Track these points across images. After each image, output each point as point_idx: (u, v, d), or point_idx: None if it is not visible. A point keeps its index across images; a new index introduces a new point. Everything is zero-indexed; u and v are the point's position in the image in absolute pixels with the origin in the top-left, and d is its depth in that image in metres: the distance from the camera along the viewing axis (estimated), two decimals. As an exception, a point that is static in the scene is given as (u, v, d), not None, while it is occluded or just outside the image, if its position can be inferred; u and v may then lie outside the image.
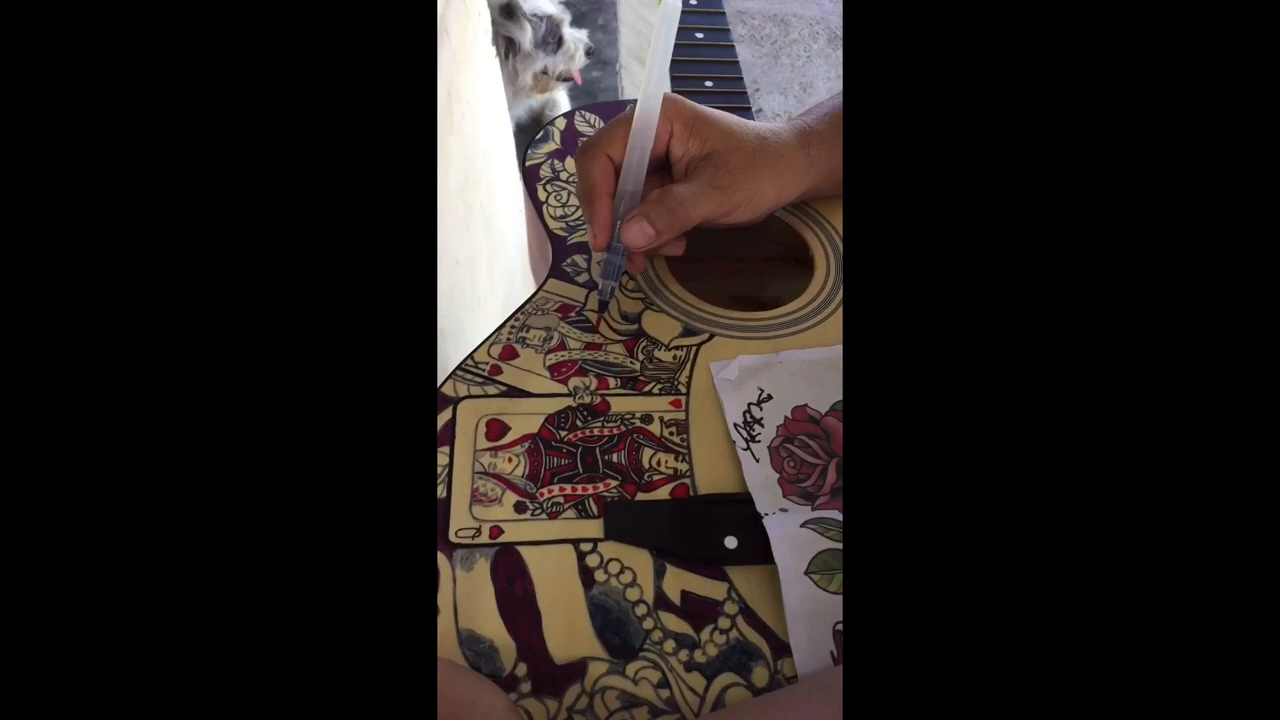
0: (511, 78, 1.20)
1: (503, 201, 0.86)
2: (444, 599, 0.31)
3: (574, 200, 0.46)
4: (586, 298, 0.41)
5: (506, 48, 1.18)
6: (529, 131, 1.39)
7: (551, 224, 0.45)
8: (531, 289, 0.43)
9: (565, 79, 1.31)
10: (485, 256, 0.78)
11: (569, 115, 0.51)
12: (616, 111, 0.51)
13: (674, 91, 0.51)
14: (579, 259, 0.43)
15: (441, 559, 0.32)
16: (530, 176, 0.47)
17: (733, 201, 0.38)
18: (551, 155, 0.48)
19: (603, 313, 0.40)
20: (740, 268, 0.49)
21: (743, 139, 0.39)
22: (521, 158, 0.49)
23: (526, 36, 1.17)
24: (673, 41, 0.35)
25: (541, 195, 0.46)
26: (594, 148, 0.38)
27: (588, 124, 0.50)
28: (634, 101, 0.38)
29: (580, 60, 1.27)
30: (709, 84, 0.52)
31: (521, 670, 0.29)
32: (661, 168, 0.39)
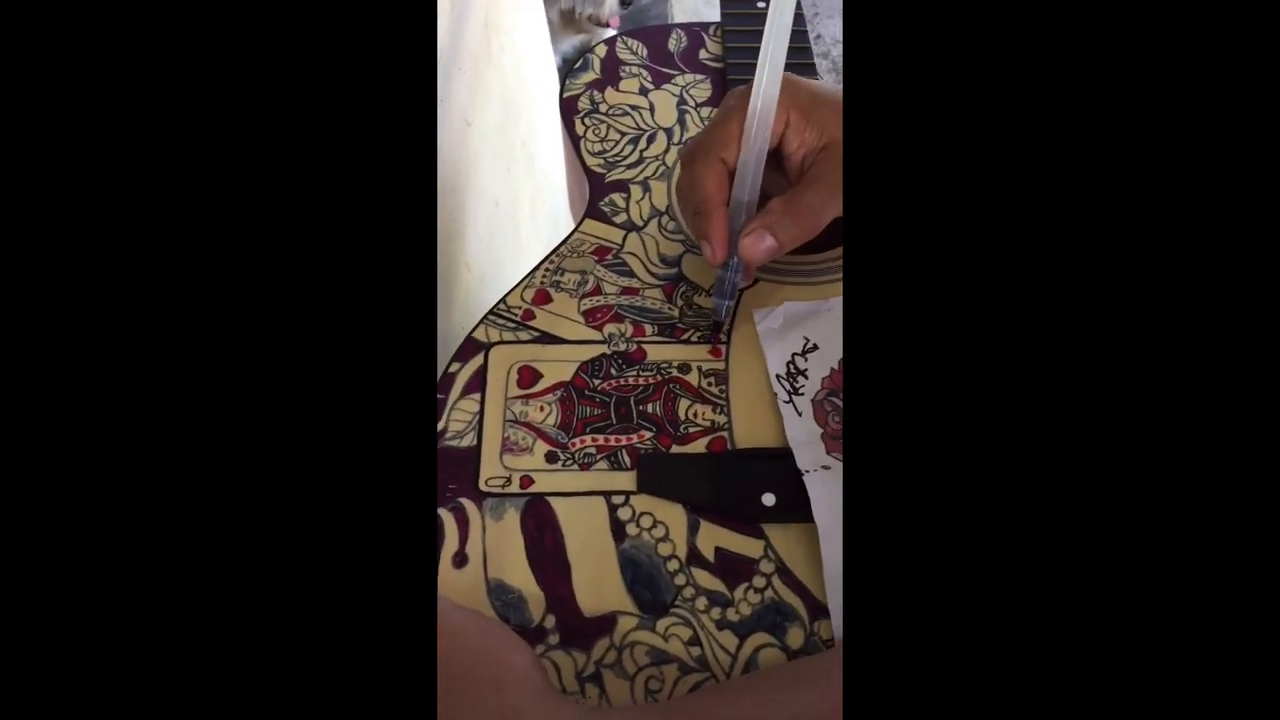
0: (546, 12, 1.15)
1: (544, 140, 0.83)
2: (473, 548, 0.30)
3: (613, 134, 0.43)
4: (624, 239, 0.39)
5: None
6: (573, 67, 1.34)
7: (589, 160, 0.42)
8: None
9: (597, 23, 1.25)
10: (527, 197, 0.76)
11: (610, 42, 0.48)
12: (663, 36, 0.48)
13: (726, 11, 0.48)
14: (617, 198, 0.41)
15: (471, 507, 0.31)
16: (568, 109, 0.45)
17: None
18: (591, 85, 0.46)
19: (717, 334, 0.36)
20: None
21: None
22: (561, 90, 0.46)
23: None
24: (790, 23, 0.30)
25: (579, 129, 0.44)
26: (705, 151, 0.33)
27: (629, 51, 0.47)
28: (747, 90, 0.31)
29: (611, 6, 1.21)
30: (761, 4, 0.48)
31: (550, 621, 0.29)
32: (773, 160, 0.34)
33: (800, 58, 0.44)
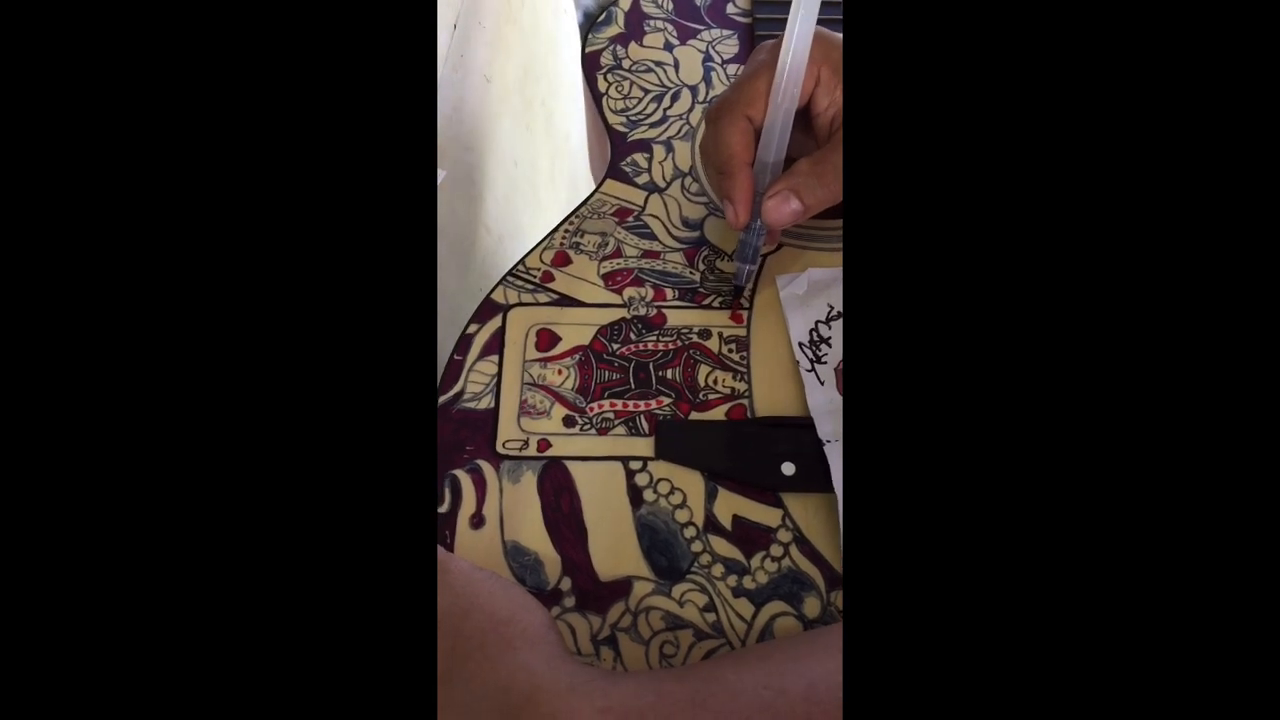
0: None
1: (564, 98, 0.82)
2: (490, 510, 0.30)
3: (636, 92, 0.42)
4: (646, 201, 0.38)
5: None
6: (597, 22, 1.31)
7: (611, 119, 0.41)
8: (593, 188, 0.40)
9: None
10: (546, 156, 0.75)
11: (634, -4, 0.46)
12: (686, -9, 0.46)
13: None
14: (639, 158, 0.40)
15: (489, 469, 0.31)
16: (590, 64, 0.43)
17: None
18: (614, 40, 0.44)
19: (738, 299, 0.35)
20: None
21: None
22: (582, 42, 0.45)
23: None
24: None
25: (602, 85, 0.43)
26: (731, 108, 0.31)
27: (655, 4, 0.46)
28: (767, 37, 0.30)
29: None
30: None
31: (566, 585, 0.29)
32: (800, 119, 0.32)
33: (832, 13, 0.43)
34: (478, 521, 0.30)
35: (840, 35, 0.32)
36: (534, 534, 0.30)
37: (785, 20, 0.31)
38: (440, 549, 0.28)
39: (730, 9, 0.46)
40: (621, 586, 0.29)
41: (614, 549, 0.29)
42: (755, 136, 0.32)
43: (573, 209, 0.39)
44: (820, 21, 0.30)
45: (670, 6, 0.46)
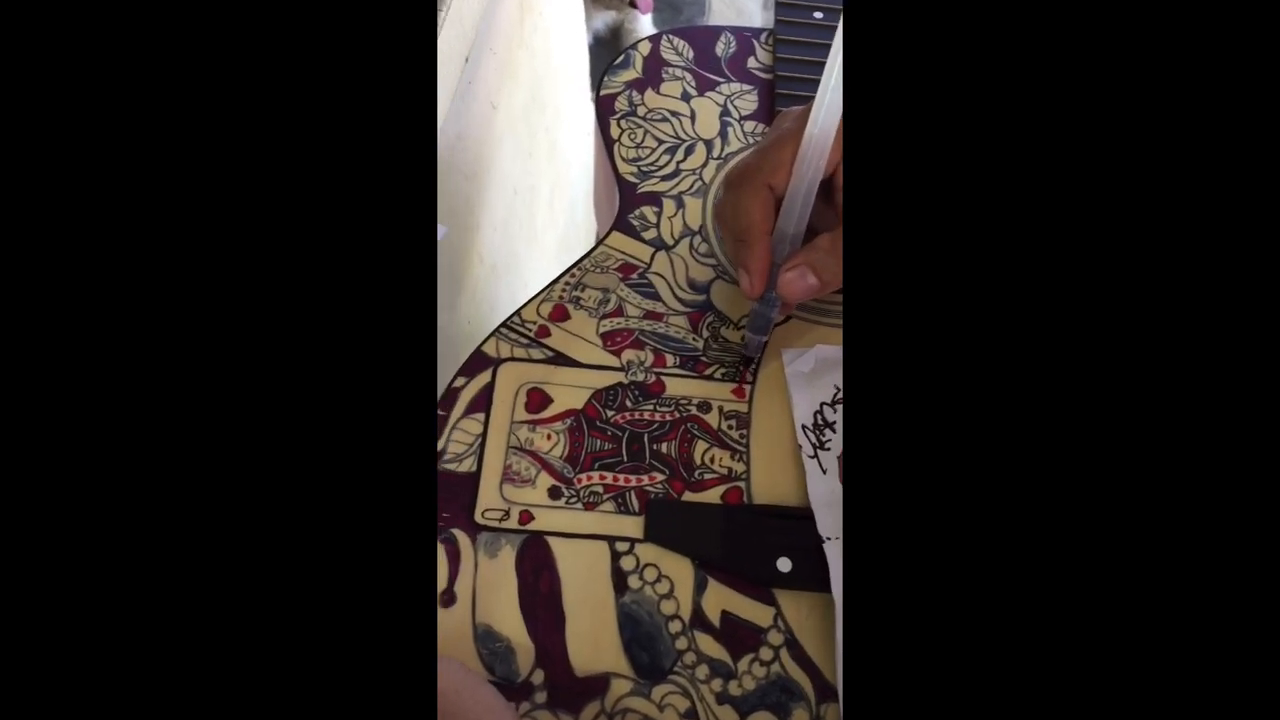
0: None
1: (569, 125, 0.80)
2: (463, 586, 0.28)
3: (649, 141, 0.41)
4: (652, 258, 0.37)
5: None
6: (605, 47, 1.30)
7: (622, 167, 0.40)
8: (592, 220, 0.38)
9: (630, 3, 1.21)
10: (547, 185, 0.73)
11: (654, 40, 0.45)
12: (710, 38, 0.45)
13: (780, 20, 0.45)
14: (648, 212, 0.38)
15: (464, 540, 0.29)
16: (604, 108, 0.42)
17: None
18: (630, 85, 0.43)
19: (745, 370, 0.33)
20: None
21: None
22: (596, 82, 0.43)
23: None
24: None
25: (614, 131, 0.41)
26: (752, 176, 0.30)
27: (674, 51, 0.44)
28: (805, 108, 0.27)
29: None
30: (818, 15, 0.45)
31: (538, 678, 0.27)
32: (822, 192, 0.31)
33: (804, 72, 0.42)
34: (448, 599, 0.28)
35: None
36: (507, 617, 0.28)
37: (806, 80, 0.30)
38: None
39: (752, 63, 0.45)
40: (598, 683, 0.27)
41: (593, 639, 0.27)
42: (776, 206, 0.31)
43: (574, 240, 0.37)
44: (797, 70, 0.29)
45: (690, 55, 0.45)
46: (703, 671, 0.27)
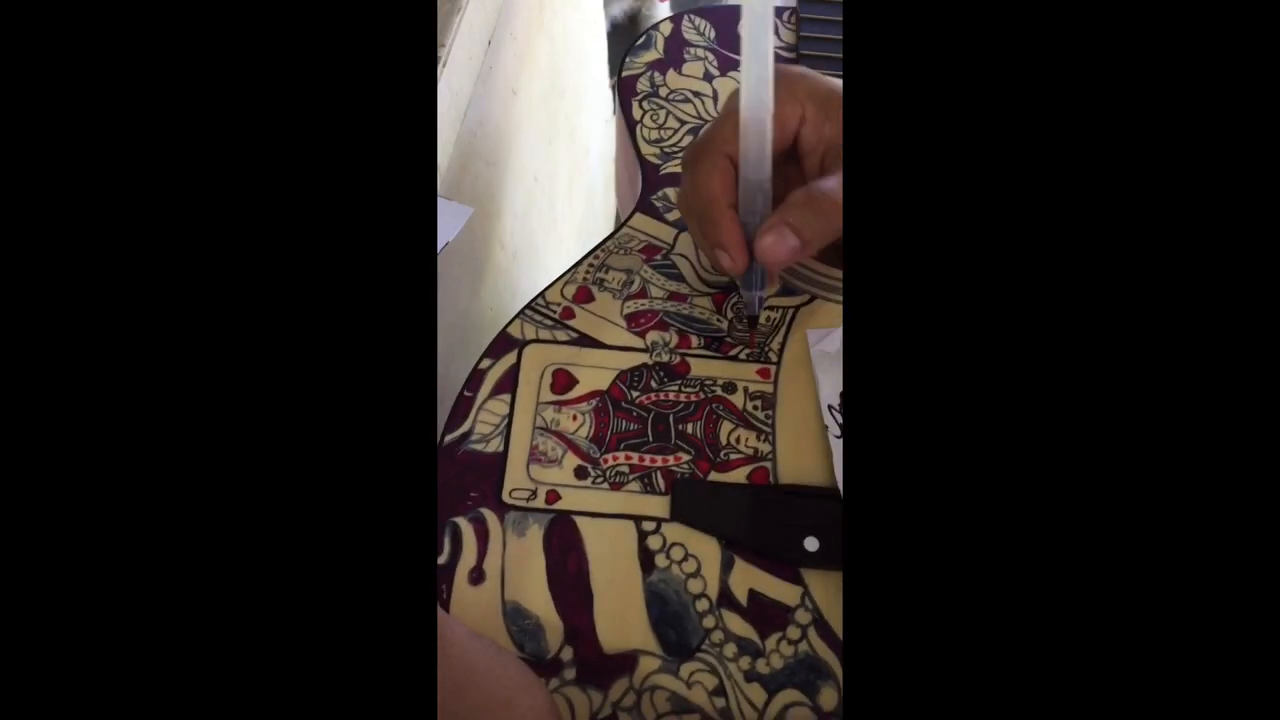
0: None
1: (589, 110, 0.80)
2: (491, 564, 0.28)
3: (671, 122, 0.40)
4: (675, 239, 0.37)
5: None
6: (624, 33, 1.30)
7: (644, 148, 0.40)
8: (610, 209, 0.38)
9: None
10: (566, 171, 0.73)
11: (675, 20, 0.45)
12: (732, 18, 0.45)
13: None
14: (671, 193, 0.38)
15: (492, 519, 0.29)
16: (626, 89, 0.42)
17: None
18: (652, 66, 0.43)
19: (754, 329, 0.33)
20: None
21: None
22: (618, 64, 0.43)
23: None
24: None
25: (636, 113, 0.41)
26: (708, 149, 0.28)
27: (696, 31, 0.44)
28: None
29: None
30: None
31: (567, 654, 0.27)
32: (789, 161, 0.31)
33: (829, 50, 0.42)
34: (477, 577, 0.28)
35: (826, 76, 0.31)
36: (537, 595, 0.28)
37: (830, 59, 0.29)
38: (438, 610, 0.26)
39: (774, 43, 0.44)
40: (626, 661, 0.27)
41: (621, 618, 0.27)
42: (736, 176, 0.29)
43: (593, 226, 0.37)
44: (819, 64, 0.29)
45: (713, 34, 0.44)
46: (730, 650, 0.27)
